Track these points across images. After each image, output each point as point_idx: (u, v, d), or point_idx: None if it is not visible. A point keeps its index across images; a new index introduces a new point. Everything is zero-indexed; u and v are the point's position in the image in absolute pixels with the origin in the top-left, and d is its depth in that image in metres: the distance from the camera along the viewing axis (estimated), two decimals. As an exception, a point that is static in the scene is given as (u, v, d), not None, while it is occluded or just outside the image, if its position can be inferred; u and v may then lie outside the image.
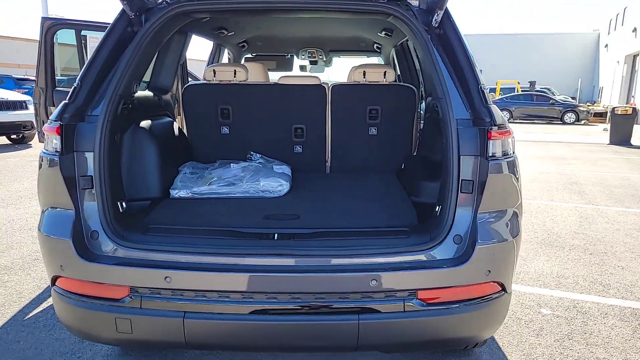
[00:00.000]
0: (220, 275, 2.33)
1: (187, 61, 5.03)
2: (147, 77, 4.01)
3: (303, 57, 6.40)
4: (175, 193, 3.21)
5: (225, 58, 6.01)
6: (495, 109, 2.40)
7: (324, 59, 6.52)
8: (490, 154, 2.32)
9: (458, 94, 2.49)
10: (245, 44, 5.87)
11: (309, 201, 3.19)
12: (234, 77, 3.92)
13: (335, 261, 2.36)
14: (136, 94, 3.12)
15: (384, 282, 2.30)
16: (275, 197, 3.26)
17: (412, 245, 2.41)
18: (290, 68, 6.82)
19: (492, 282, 2.42)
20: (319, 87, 3.99)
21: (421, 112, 4.43)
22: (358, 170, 4.13)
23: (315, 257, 2.37)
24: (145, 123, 3.30)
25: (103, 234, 2.48)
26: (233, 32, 4.97)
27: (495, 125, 2.33)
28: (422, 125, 4.29)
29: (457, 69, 2.52)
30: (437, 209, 2.57)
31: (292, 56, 6.61)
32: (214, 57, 5.61)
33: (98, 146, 2.47)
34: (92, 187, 2.48)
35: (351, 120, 4.05)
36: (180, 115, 4.19)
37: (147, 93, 3.70)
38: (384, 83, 3.95)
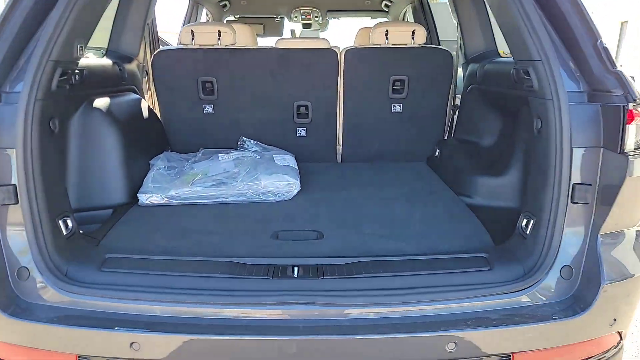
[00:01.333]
0: (215, 340, 1.53)
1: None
2: (104, 42, 3.06)
3: (295, 19, 5.43)
4: (145, 199, 2.35)
5: (203, 20, 5.02)
6: (626, 75, 1.59)
7: (320, 22, 5.57)
8: (627, 146, 1.53)
9: (562, 55, 1.68)
10: (227, 2, 4.88)
11: (328, 207, 2.37)
12: (218, 40, 3.01)
13: (391, 313, 1.57)
14: (85, 62, 2.22)
15: (466, 346, 1.52)
16: (282, 200, 2.43)
17: (500, 284, 1.63)
18: (280, 33, 5.85)
19: (615, 332, 1.67)
20: (329, 52, 3.11)
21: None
22: (376, 158, 3.31)
23: (360, 306, 1.58)
24: (101, 102, 2.40)
25: (36, 272, 1.66)
26: None
27: (634, 100, 1.53)
28: (458, 100, 3.45)
29: (557, 16, 1.69)
30: (522, 224, 1.79)
31: (282, 18, 5.64)
32: (190, 19, 4.63)
33: (22, 138, 1.61)
34: (17, 201, 1.63)
35: (370, 95, 3.20)
36: (150, 91, 3.27)
37: (104, 61, 2.77)
38: (413, 46, 3.09)
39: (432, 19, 4.39)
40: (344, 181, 2.83)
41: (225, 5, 4.93)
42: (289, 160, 2.83)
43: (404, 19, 5.22)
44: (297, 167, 2.75)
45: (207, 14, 5.18)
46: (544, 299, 1.62)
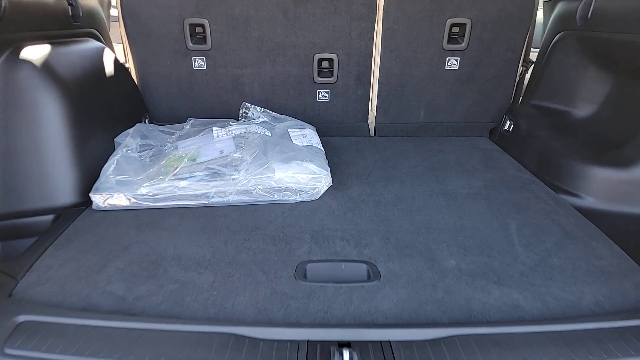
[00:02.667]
0: None
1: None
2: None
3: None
4: (101, 201, 1.57)
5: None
6: None
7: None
8: None
9: None
10: None
11: (376, 215, 1.59)
12: (212, -35, 2.17)
13: None
14: None
15: None
16: (304, 201, 1.67)
17: None
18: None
19: None
20: (364, -15, 2.25)
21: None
22: (422, 132, 2.51)
23: None
24: (33, 51, 1.60)
25: None
26: None
27: None
28: (532, 55, 2.60)
29: None
30: None
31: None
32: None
33: None
34: None
35: (417, 46, 2.36)
36: (123, 38, 2.43)
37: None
38: None
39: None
40: (386, 167, 2.05)
41: None
42: (310, 136, 2.03)
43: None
44: (322, 148, 1.96)
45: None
46: None
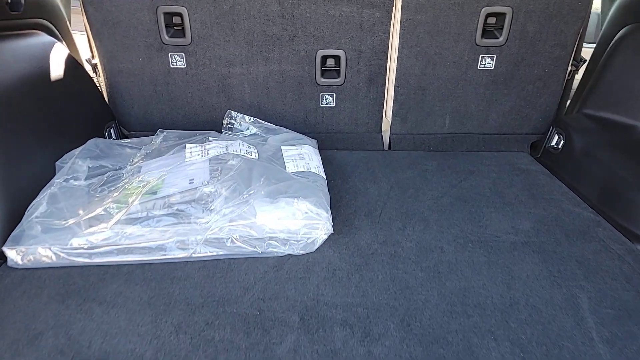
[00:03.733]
0: None
1: None
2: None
3: None
4: (19, 258, 1.17)
5: None
6: None
7: None
8: None
9: None
10: None
11: (389, 283, 1.17)
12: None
13: None
14: None
15: None
16: (295, 255, 1.25)
17: None
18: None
19: None
20: (379, -35, 1.80)
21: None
22: (446, 146, 2.07)
23: None
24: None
25: None
26: None
27: None
28: (585, 53, 2.13)
29: None
30: None
31: None
32: None
33: None
34: None
35: (443, 40, 1.91)
36: (86, 29, 2.01)
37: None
38: None
39: None
40: (404, 196, 1.62)
41: None
42: (308, 156, 1.61)
43: None
44: (323, 175, 1.54)
45: None
46: None
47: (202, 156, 1.50)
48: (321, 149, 1.97)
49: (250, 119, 1.87)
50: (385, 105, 2.09)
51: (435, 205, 1.54)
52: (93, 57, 2.01)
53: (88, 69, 2.03)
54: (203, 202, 1.26)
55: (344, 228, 1.38)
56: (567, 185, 1.69)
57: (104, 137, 1.83)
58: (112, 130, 1.91)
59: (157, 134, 1.76)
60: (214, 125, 2.08)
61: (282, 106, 2.06)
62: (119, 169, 1.52)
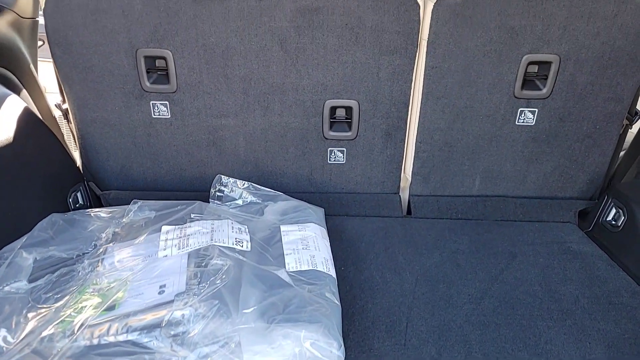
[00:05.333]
0: None
1: None
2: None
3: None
4: None
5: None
6: None
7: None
8: None
9: None
10: None
11: None
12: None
13: None
14: None
15: None
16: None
17: None
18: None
19: None
20: (401, 1, 1.49)
21: None
22: (477, 213, 1.76)
23: None
24: None
25: None
26: None
27: None
28: None
29: None
30: None
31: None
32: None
33: None
34: None
35: (475, 90, 1.61)
36: (55, 72, 1.69)
37: None
38: None
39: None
40: (433, 297, 1.30)
41: None
42: (313, 243, 1.30)
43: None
44: (333, 272, 1.22)
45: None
46: None
47: (179, 248, 1.19)
48: (329, 215, 1.67)
49: (243, 184, 1.57)
50: (404, 163, 1.78)
51: (476, 314, 1.22)
52: (64, 101, 1.71)
53: (58, 113, 1.75)
54: (172, 331, 0.95)
55: (360, 356, 1.06)
56: (634, 279, 1.37)
57: (66, 204, 1.53)
58: (78, 195, 1.60)
59: (131, 205, 1.45)
60: (202, 181, 1.78)
61: (284, 162, 1.76)
62: (76, 261, 1.22)
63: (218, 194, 1.52)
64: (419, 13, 1.50)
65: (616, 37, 1.50)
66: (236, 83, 1.61)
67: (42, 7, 1.56)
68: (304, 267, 1.18)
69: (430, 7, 1.51)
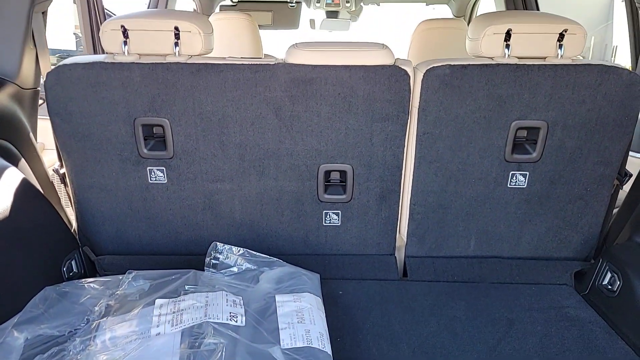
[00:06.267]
0: None
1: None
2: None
3: (318, 4, 3.85)
4: None
5: (180, 5, 3.46)
6: None
7: (351, 9, 3.97)
8: None
9: None
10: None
11: None
12: (175, 47, 1.52)
13: None
14: None
15: None
16: None
17: None
18: (295, 23, 4.27)
19: None
20: (392, 73, 1.55)
21: None
22: (473, 275, 1.75)
23: None
24: None
25: None
26: None
27: None
28: (633, 167, 1.85)
29: None
30: None
31: (298, 3, 4.06)
32: (156, 6, 3.09)
33: None
34: None
35: (468, 155, 1.64)
36: (54, 139, 1.71)
37: None
38: (561, 63, 1.53)
39: (536, 6, 2.80)
40: None
41: (216, -15, 3.39)
42: (308, 316, 1.29)
43: (473, 9, 3.63)
44: (329, 349, 1.21)
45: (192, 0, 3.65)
46: None
47: (172, 325, 1.18)
48: (325, 278, 1.65)
49: (239, 251, 1.57)
50: (400, 224, 1.80)
51: None
52: (61, 166, 1.73)
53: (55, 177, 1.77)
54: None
55: None
56: (633, 349, 1.36)
57: (61, 274, 1.52)
58: (72, 263, 1.60)
59: (125, 275, 1.44)
60: (198, 244, 1.78)
61: (279, 224, 1.77)
62: (67, 338, 1.20)
63: (213, 261, 1.52)
64: (409, 82, 1.55)
65: (601, 104, 1.54)
66: (232, 149, 1.64)
67: (44, 79, 1.61)
68: (299, 344, 1.17)
69: (420, 77, 1.56)
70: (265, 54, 3.18)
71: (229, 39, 2.78)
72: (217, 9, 3.82)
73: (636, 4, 1.74)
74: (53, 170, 1.79)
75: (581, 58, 1.63)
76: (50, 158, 2.06)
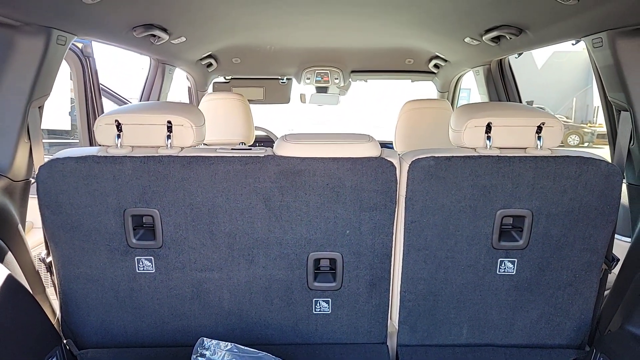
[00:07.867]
0: None
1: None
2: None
3: (308, 80, 4.01)
4: None
5: (176, 87, 3.58)
6: None
7: (341, 84, 4.14)
8: None
9: None
10: (212, 61, 3.47)
11: None
12: (168, 139, 1.57)
13: None
14: None
15: None
16: None
17: None
18: (286, 98, 4.42)
19: None
20: (378, 165, 1.59)
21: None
22: (465, 359, 1.72)
23: None
24: None
25: None
26: (183, 39, 2.57)
27: None
28: (619, 251, 1.87)
29: None
30: None
31: (289, 80, 4.22)
32: (151, 91, 3.19)
33: None
34: None
35: (455, 243, 1.66)
36: (43, 228, 1.71)
37: None
38: (541, 154, 1.59)
39: (515, 89, 2.93)
40: None
41: (210, 65, 3.53)
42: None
43: (456, 85, 3.79)
44: None
45: (187, 77, 3.79)
46: None
47: None
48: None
49: (226, 346, 1.53)
50: (391, 312, 1.77)
51: None
52: (48, 254, 1.72)
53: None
54: None
55: None
56: None
57: (41, 373, 1.46)
58: (55, 358, 1.54)
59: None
60: (185, 335, 1.74)
61: (268, 313, 1.73)
62: None
63: (200, 358, 1.47)
64: (395, 173, 1.59)
65: (582, 194, 1.59)
66: (221, 238, 1.65)
67: (36, 172, 1.63)
68: None
69: (405, 168, 1.60)
70: (256, 126, 3.28)
71: (222, 117, 2.88)
72: (211, 86, 3.96)
73: (610, 101, 1.83)
74: (39, 259, 1.77)
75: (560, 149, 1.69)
76: (37, 238, 2.05)
